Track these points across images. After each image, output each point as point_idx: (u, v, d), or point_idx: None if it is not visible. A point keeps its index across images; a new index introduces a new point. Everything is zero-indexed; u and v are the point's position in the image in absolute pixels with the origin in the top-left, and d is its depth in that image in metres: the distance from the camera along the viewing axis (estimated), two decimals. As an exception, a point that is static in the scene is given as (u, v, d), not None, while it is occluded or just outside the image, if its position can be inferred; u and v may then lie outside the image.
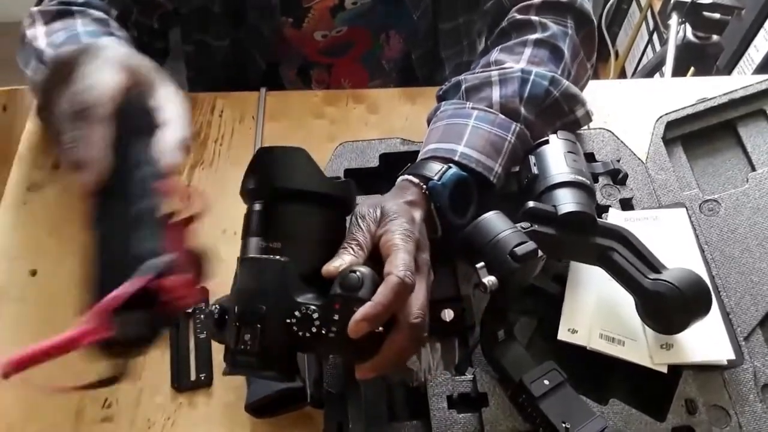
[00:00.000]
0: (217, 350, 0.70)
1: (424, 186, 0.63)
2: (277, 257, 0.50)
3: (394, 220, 0.56)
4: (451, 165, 0.65)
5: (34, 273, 0.75)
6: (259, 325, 0.49)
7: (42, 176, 0.84)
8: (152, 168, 0.47)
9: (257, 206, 0.54)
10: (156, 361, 0.70)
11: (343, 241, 0.54)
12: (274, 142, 0.86)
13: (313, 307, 0.50)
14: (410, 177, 0.64)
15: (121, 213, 0.45)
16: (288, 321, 0.50)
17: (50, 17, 0.76)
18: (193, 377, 0.69)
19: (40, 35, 0.74)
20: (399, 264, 0.51)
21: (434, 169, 0.64)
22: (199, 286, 0.47)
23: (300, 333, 0.50)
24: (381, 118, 0.90)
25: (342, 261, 0.52)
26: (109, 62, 0.49)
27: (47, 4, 0.79)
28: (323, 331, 0.50)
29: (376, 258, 0.55)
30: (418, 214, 0.60)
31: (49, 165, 0.85)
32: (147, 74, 0.52)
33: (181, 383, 0.68)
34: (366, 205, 0.57)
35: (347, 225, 0.57)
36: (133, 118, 0.48)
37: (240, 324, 0.49)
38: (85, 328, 0.40)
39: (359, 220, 0.56)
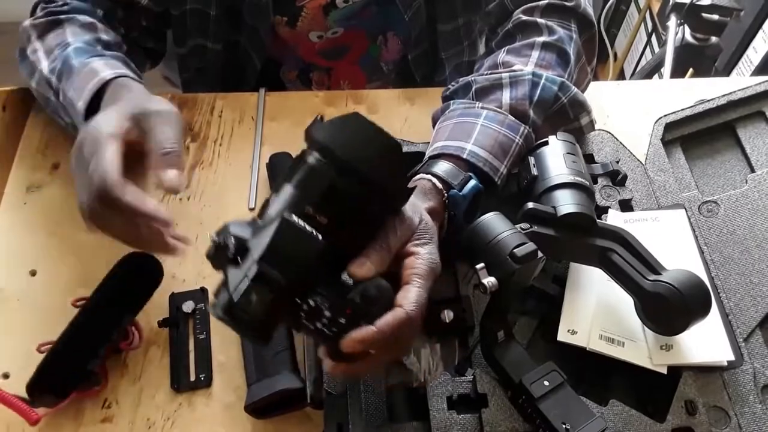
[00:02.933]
0: (217, 351, 0.70)
1: (446, 193, 0.63)
2: (319, 237, 0.48)
3: (427, 244, 0.55)
4: (471, 175, 0.65)
5: (34, 273, 0.75)
6: (271, 296, 0.47)
7: (42, 176, 0.84)
8: None
9: (313, 160, 0.49)
10: (156, 362, 0.70)
11: (379, 238, 0.53)
12: (274, 143, 0.86)
13: (326, 302, 0.49)
14: (433, 180, 0.64)
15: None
16: (299, 301, 0.49)
17: (42, 30, 0.80)
18: (192, 378, 0.69)
19: (39, 52, 0.79)
20: (413, 300, 0.51)
21: (454, 174, 0.64)
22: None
23: (305, 321, 0.49)
24: (380, 119, 0.89)
25: (370, 269, 0.51)
26: (104, 139, 0.59)
27: (37, 16, 0.82)
28: (325, 329, 0.49)
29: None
30: (437, 224, 0.60)
31: (49, 165, 0.85)
32: (144, 120, 0.61)
33: (180, 384, 0.68)
34: (409, 209, 0.56)
35: None
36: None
37: (253, 281, 0.47)
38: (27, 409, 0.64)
39: (399, 223, 0.54)
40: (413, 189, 0.54)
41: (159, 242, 0.61)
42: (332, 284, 0.50)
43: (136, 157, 0.60)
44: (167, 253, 0.62)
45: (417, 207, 0.58)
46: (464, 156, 0.66)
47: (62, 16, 0.80)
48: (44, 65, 0.77)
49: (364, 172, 0.49)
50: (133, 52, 0.89)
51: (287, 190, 0.50)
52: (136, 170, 0.61)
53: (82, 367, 0.65)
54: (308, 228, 0.48)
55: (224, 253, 0.49)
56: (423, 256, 0.54)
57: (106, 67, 0.71)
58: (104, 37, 0.80)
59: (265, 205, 0.51)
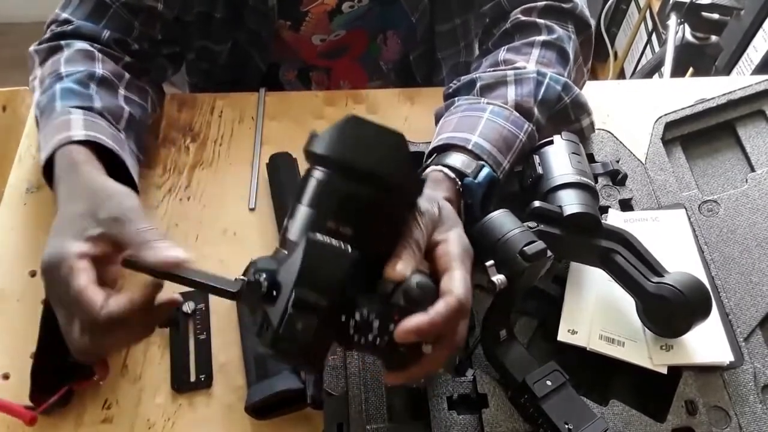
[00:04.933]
0: (217, 351, 0.70)
1: (459, 182, 0.63)
2: (348, 248, 0.47)
3: (452, 229, 0.55)
4: (484, 163, 0.65)
5: (33, 273, 0.75)
6: (316, 320, 0.45)
7: (42, 176, 0.83)
8: None
9: (320, 174, 0.49)
10: (156, 362, 0.70)
11: (404, 238, 0.52)
12: (274, 143, 0.86)
13: (374, 314, 0.48)
14: (445, 170, 0.64)
15: None
16: (343, 319, 0.48)
17: (43, 56, 0.79)
18: (193, 378, 0.69)
19: (36, 80, 0.78)
20: (460, 285, 0.50)
21: (467, 163, 0.64)
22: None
23: (355, 337, 0.48)
24: (380, 119, 0.89)
25: (406, 267, 0.50)
26: (71, 274, 0.54)
27: (42, 39, 0.80)
28: (377, 341, 0.48)
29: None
30: (455, 211, 0.60)
31: (49, 165, 0.84)
32: (111, 233, 0.56)
33: (181, 384, 0.68)
34: (425, 200, 0.55)
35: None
36: None
37: (295, 309, 0.45)
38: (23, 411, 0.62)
39: (419, 217, 0.53)
40: (425, 180, 0.53)
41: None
42: (372, 293, 0.49)
43: (107, 262, 0.57)
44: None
45: (433, 197, 0.57)
46: (469, 147, 0.66)
47: (62, 42, 0.78)
48: (36, 95, 0.76)
49: (374, 172, 0.48)
50: (153, 63, 0.87)
51: (303, 212, 0.49)
52: (111, 273, 0.58)
53: (64, 360, 0.63)
54: (335, 242, 0.47)
55: (258, 290, 0.47)
56: (453, 240, 0.54)
57: (80, 126, 0.67)
58: (99, 70, 0.76)
59: (284, 232, 0.50)
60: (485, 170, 0.64)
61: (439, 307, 0.49)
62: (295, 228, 0.49)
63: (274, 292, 0.47)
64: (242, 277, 0.49)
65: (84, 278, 0.53)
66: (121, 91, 0.78)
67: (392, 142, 0.49)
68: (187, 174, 0.84)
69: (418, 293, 0.48)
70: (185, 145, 0.87)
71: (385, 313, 0.48)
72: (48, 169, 0.67)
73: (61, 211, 0.60)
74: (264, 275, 0.47)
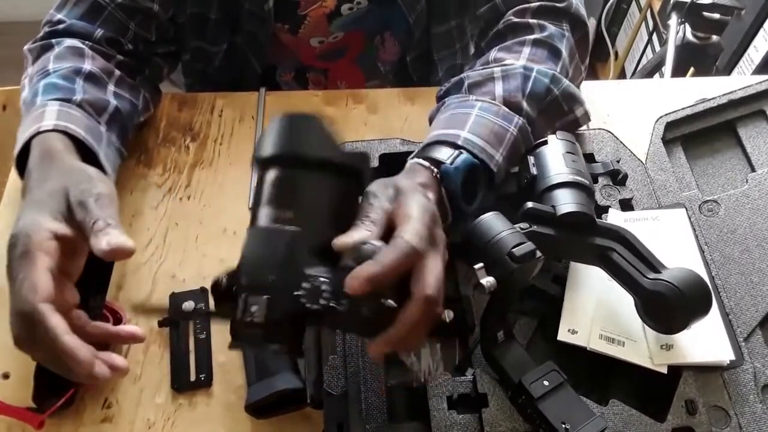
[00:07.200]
0: (217, 351, 0.70)
1: (436, 169, 0.63)
2: (287, 227, 0.49)
3: (409, 194, 0.55)
4: (462, 150, 0.64)
5: (33, 273, 0.75)
6: (266, 297, 0.47)
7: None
8: None
9: (271, 174, 0.52)
10: (156, 362, 0.70)
11: (356, 219, 0.52)
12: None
13: (322, 278, 0.48)
14: (420, 160, 0.64)
15: None
16: (296, 293, 0.48)
17: (35, 55, 0.79)
18: (192, 378, 0.69)
19: (26, 79, 0.78)
20: (409, 230, 0.50)
21: (445, 152, 0.64)
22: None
23: (308, 305, 0.48)
24: (380, 118, 0.90)
25: (354, 235, 0.50)
26: (34, 250, 0.54)
27: (36, 38, 0.81)
28: (332, 304, 0.48)
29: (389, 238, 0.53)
30: (431, 195, 0.60)
31: (49, 165, 0.84)
32: (79, 212, 0.57)
33: (180, 384, 0.68)
34: (378, 183, 0.56)
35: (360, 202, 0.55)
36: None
37: (246, 294, 0.47)
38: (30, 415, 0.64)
39: (371, 198, 0.54)
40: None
41: (83, 375, 0.53)
42: (327, 268, 0.50)
43: (73, 250, 0.58)
44: (92, 382, 0.55)
45: (390, 181, 0.57)
46: (459, 143, 0.66)
47: (53, 40, 0.79)
48: (24, 93, 0.76)
49: (290, 154, 0.51)
50: (148, 63, 0.88)
51: (257, 213, 0.52)
52: (75, 263, 0.59)
53: None
54: (273, 226, 0.49)
55: (219, 288, 0.50)
56: (408, 202, 0.53)
57: (52, 116, 0.68)
58: (87, 66, 0.76)
59: None
60: (463, 155, 0.64)
61: (388, 252, 0.48)
62: None
63: (234, 288, 0.49)
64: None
65: (43, 262, 0.54)
66: (110, 87, 0.79)
67: (306, 123, 0.53)
68: (187, 173, 0.84)
69: (367, 249, 0.49)
70: (185, 145, 0.87)
71: (335, 277, 0.48)
72: (21, 162, 0.67)
73: (33, 191, 0.61)
74: (225, 276, 0.50)
